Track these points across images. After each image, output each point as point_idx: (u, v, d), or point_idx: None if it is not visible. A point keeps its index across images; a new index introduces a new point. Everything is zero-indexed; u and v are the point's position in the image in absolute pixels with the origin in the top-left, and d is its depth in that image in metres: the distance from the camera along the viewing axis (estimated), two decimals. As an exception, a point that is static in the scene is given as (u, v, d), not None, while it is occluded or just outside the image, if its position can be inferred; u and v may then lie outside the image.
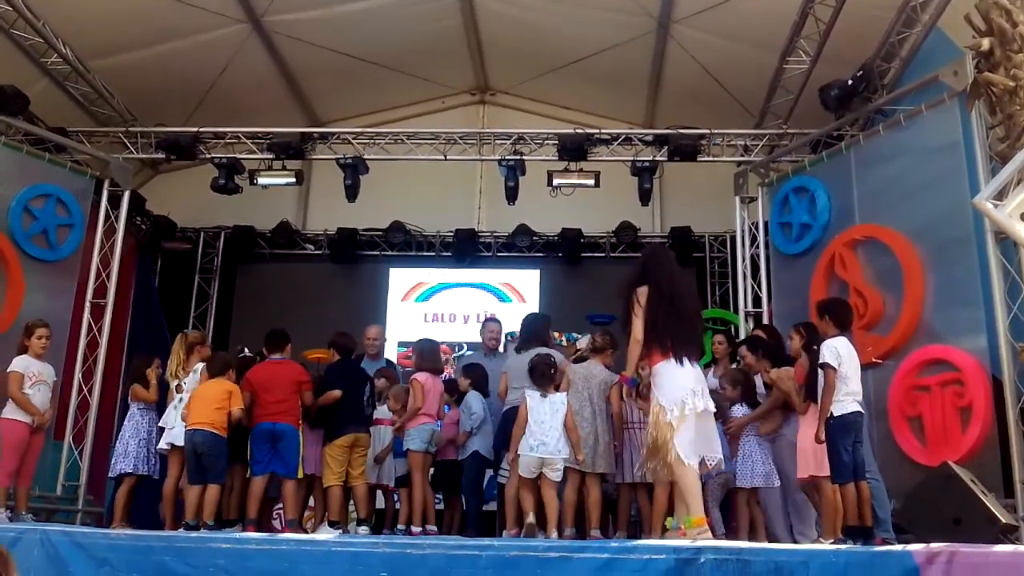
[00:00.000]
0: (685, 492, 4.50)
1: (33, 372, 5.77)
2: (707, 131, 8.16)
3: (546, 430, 5.22)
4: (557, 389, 5.44)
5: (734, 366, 6.28)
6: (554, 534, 5.17)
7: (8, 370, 5.69)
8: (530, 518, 5.17)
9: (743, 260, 7.89)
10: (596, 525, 5.37)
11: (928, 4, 6.43)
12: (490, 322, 7.18)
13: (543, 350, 5.75)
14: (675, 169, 8.90)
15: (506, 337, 7.46)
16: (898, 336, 6.02)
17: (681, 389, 4.55)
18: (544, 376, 5.40)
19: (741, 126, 8.33)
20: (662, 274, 4.82)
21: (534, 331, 6.11)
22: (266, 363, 6.02)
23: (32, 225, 7.10)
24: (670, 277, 4.83)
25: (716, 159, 8.28)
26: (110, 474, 6.28)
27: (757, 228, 7.95)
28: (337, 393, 5.92)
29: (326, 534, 5.48)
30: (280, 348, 5.99)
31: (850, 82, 7.03)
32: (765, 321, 7.40)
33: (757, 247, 7.91)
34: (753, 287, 7.85)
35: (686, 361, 4.64)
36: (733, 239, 8.45)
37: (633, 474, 5.40)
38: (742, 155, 8.23)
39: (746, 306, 7.81)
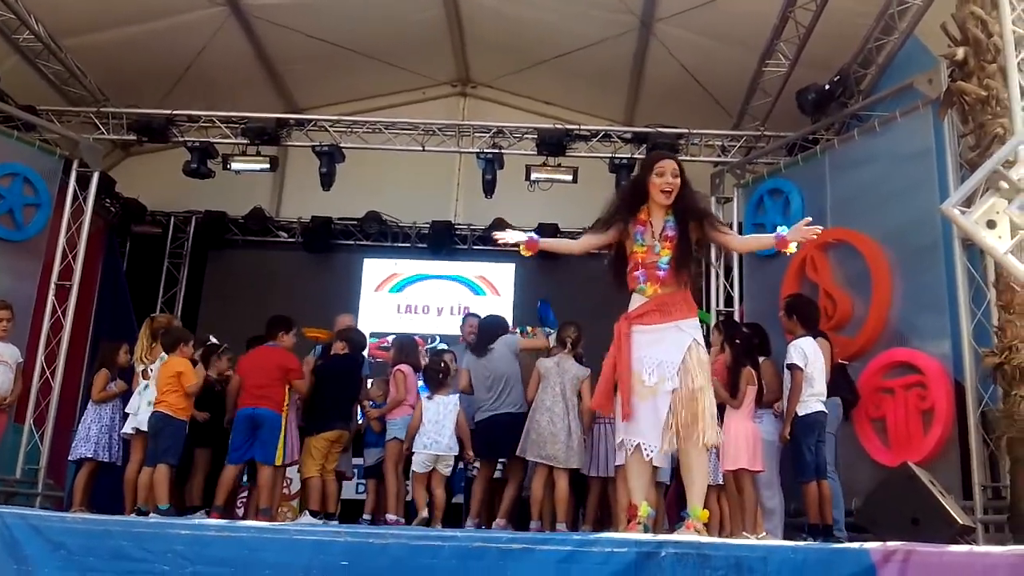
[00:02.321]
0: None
1: (-7, 353, 5.66)
2: (685, 130, 8.20)
3: (439, 429, 5.54)
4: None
5: None
6: (438, 525, 5.37)
7: (-33, 351, 5.58)
8: (424, 512, 5.45)
9: (716, 259, 7.93)
10: (562, 519, 5.41)
11: (906, 12, 6.51)
12: (470, 317, 7.21)
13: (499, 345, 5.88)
14: (649, 168, 8.91)
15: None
16: (865, 338, 6.11)
17: (638, 360, 3.88)
18: (433, 379, 5.69)
19: (719, 127, 8.37)
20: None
21: (492, 333, 6.12)
22: (257, 349, 6.01)
23: (-2, 204, 6.97)
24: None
25: (694, 159, 8.28)
26: (70, 457, 6.22)
27: (732, 228, 7.98)
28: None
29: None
30: (272, 335, 5.95)
31: (827, 86, 7.11)
32: (736, 319, 7.46)
33: (731, 248, 7.96)
34: (726, 287, 7.92)
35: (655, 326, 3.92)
36: (707, 239, 8.50)
37: (608, 468, 5.45)
38: (719, 155, 8.28)
39: (718, 305, 7.88)
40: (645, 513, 3.82)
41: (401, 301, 9.98)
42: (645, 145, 8.24)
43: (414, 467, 5.66)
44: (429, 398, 5.68)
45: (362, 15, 8.49)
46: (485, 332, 6.17)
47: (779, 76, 7.51)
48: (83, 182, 7.87)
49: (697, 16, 7.52)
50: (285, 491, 7.49)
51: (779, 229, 3.84)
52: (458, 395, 5.82)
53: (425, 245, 10.01)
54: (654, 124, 8.30)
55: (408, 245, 10.10)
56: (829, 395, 5.23)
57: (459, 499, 6.68)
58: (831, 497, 5.03)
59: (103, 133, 8.39)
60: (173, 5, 7.89)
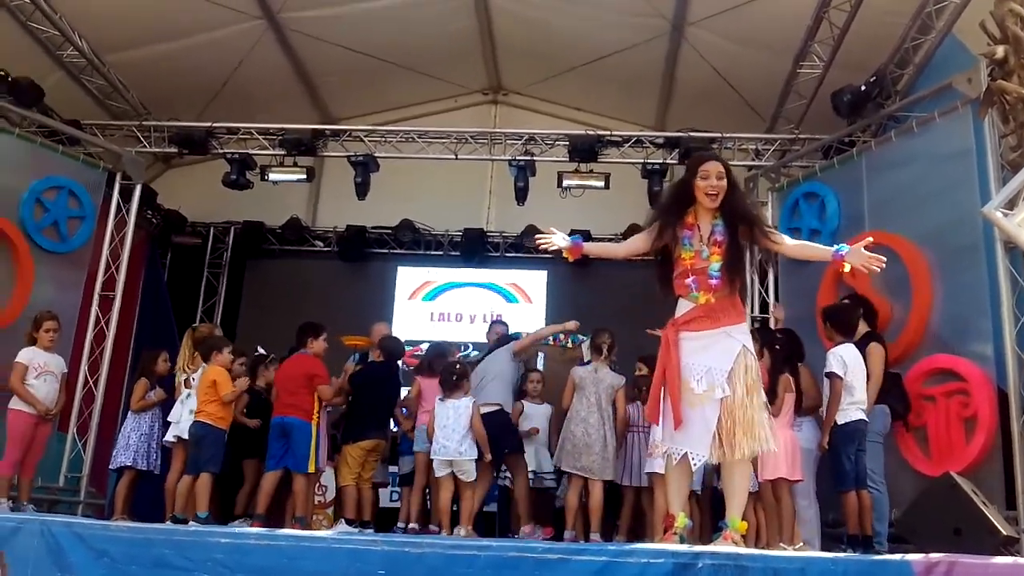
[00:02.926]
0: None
1: (39, 363, 5.82)
2: (718, 134, 8.12)
3: (448, 433, 5.43)
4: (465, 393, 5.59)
5: None
6: (462, 531, 5.33)
7: (14, 361, 5.73)
8: (462, 531, 5.38)
9: (751, 265, 7.83)
10: (597, 529, 5.39)
11: (943, 11, 6.38)
12: (496, 324, 7.25)
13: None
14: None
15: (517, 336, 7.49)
16: (905, 344, 5.97)
17: (685, 367, 3.77)
18: (446, 381, 5.59)
19: (753, 130, 8.29)
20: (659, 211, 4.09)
21: (505, 340, 6.23)
22: (290, 358, 6.08)
23: (44, 217, 7.17)
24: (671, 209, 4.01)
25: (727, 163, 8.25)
26: (110, 466, 6.36)
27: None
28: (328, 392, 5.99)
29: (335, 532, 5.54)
30: (302, 342, 6.02)
31: (863, 88, 6.99)
32: (772, 326, 7.36)
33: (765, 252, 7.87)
34: (761, 292, 7.82)
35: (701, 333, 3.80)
36: (742, 244, 8.41)
37: (641, 477, 5.41)
38: (753, 159, 8.19)
39: (753, 311, 7.77)
40: (683, 524, 3.74)
41: (434, 309, 10.03)
42: (677, 150, 8.20)
43: (434, 472, 5.63)
44: (442, 400, 5.60)
45: (395, 26, 8.59)
46: (502, 340, 6.32)
47: (813, 78, 7.40)
48: (126, 194, 8.06)
49: (728, 19, 7.47)
50: (320, 499, 7.58)
51: (838, 248, 3.76)
52: (472, 399, 5.68)
53: (458, 253, 10.06)
54: (686, 128, 8.25)
55: (441, 253, 10.16)
56: (878, 402, 5.14)
57: (492, 507, 6.69)
58: (870, 507, 4.94)
59: (145, 146, 8.59)
60: (212, 20, 8.05)
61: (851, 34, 6.75)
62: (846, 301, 5.65)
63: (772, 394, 5.05)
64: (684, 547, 3.50)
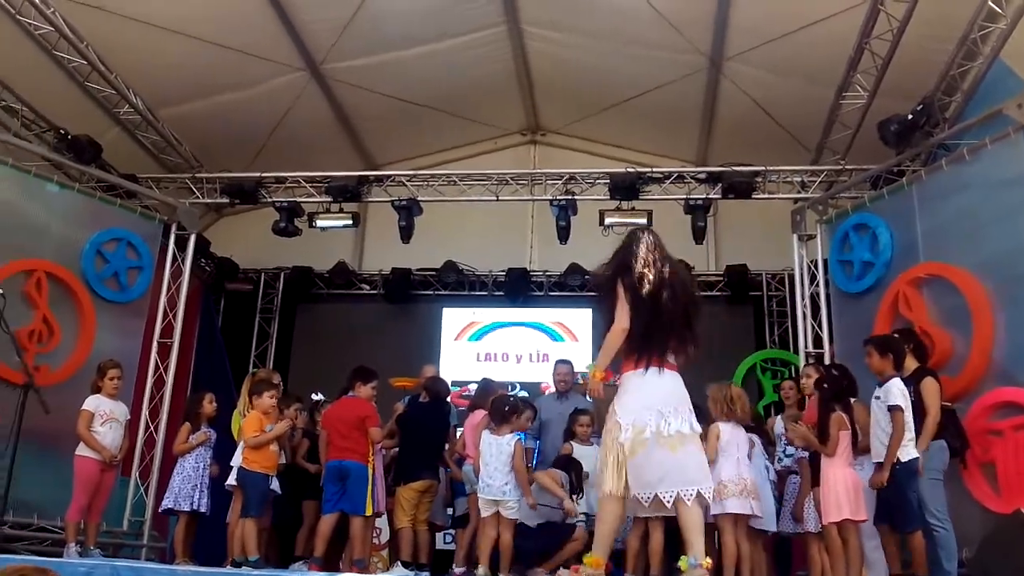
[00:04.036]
0: (598, 526, 3.88)
1: (104, 411, 5.94)
2: (762, 168, 8.11)
3: (491, 471, 5.36)
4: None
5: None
6: (480, 571, 5.20)
7: (80, 409, 5.87)
8: (480, 570, 5.25)
9: (803, 299, 7.75)
10: (658, 571, 5.26)
11: (989, 36, 6.33)
12: (561, 364, 7.21)
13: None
14: (730, 207, 8.85)
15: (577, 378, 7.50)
16: (968, 378, 5.82)
17: (645, 409, 3.76)
18: (497, 413, 5.53)
19: (797, 162, 8.26)
20: (645, 263, 3.94)
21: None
22: (339, 401, 6.14)
23: (104, 268, 7.39)
24: (656, 266, 3.94)
25: (772, 196, 8.20)
26: (160, 510, 6.45)
27: (816, 266, 7.79)
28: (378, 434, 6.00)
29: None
30: (351, 385, 6.08)
31: (910, 116, 6.92)
32: (827, 361, 7.24)
33: (817, 286, 7.76)
34: (814, 327, 7.69)
35: (663, 372, 3.82)
36: (791, 277, 8.29)
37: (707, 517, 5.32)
38: (799, 192, 8.14)
39: (807, 346, 7.65)
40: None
41: (480, 349, 10.06)
42: (720, 184, 8.17)
43: (480, 512, 5.53)
44: (489, 434, 5.51)
45: (432, 72, 8.78)
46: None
47: (858, 108, 7.35)
48: (181, 244, 8.30)
49: (767, 52, 7.51)
50: (375, 541, 7.57)
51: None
52: (517, 437, 5.60)
53: (502, 293, 10.11)
54: (729, 163, 8.24)
55: (485, 293, 10.22)
56: (935, 438, 5.00)
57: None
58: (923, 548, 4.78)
59: (198, 197, 8.85)
60: (258, 74, 8.32)
61: (894, 62, 6.71)
62: (895, 334, 5.52)
63: (824, 433, 4.97)
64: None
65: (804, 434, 5.17)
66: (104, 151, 8.06)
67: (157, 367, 7.81)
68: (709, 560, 3.64)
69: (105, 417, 5.92)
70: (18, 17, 6.71)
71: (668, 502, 3.64)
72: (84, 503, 5.76)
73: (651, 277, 3.84)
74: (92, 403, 5.93)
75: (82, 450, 5.81)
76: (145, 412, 7.59)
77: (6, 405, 5.83)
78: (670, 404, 3.73)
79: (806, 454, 5.48)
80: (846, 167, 7.91)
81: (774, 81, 7.96)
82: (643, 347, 3.76)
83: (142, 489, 7.48)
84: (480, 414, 6.24)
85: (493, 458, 5.40)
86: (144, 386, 7.63)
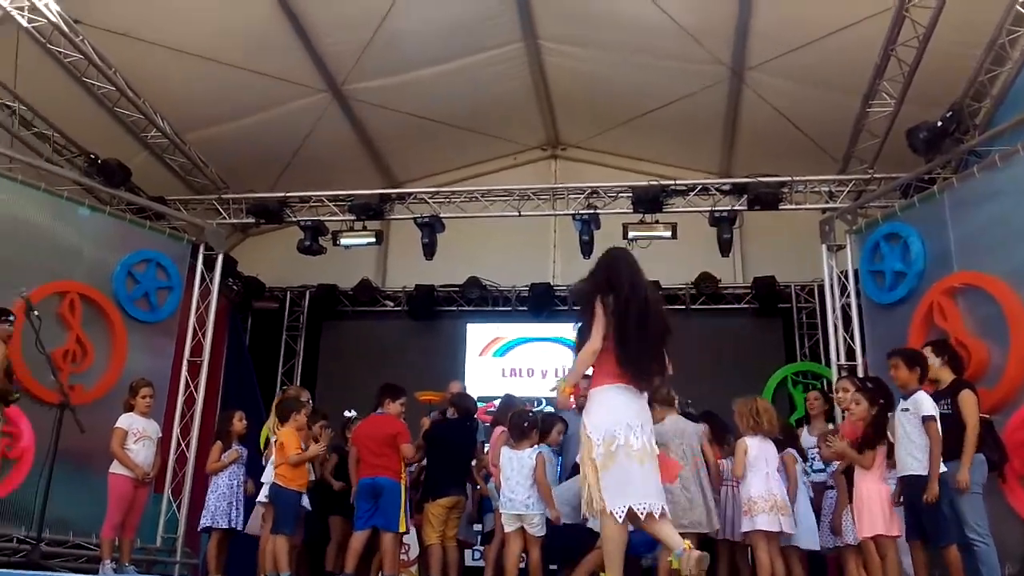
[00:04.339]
0: (604, 546, 3.79)
1: (137, 429, 5.99)
2: (788, 178, 8.04)
3: (512, 486, 5.32)
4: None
5: (831, 425, 6.09)
6: None
7: (114, 427, 5.92)
8: None
9: (834, 311, 7.64)
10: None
11: (1018, 40, 6.25)
12: (582, 379, 7.14)
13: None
14: (756, 218, 8.79)
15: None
16: (1006, 389, 5.69)
17: (615, 422, 3.76)
18: (516, 428, 5.50)
19: (824, 172, 8.18)
20: (630, 284, 3.95)
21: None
22: (368, 418, 6.15)
23: (135, 288, 7.48)
24: (639, 288, 3.97)
25: (799, 207, 8.12)
26: (198, 528, 6.48)
27: (847, 277, 7.70)
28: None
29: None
30: (380, 402, 6.09)
31: (939, 123, 6.82)
32: (860, 374, 7.14)
33: (848, 297, 7.65)
34: (846, 339, 7.57)
35: (633, 390, 3.84)
36: (821, 289, 8.22)
37: (735, 533, 5.25)
38: (827, 202, 8.05)
39: (839, 359, 7.53)
40: None
41: (505, 365, 10.03)
42: (746, 196, 8.11)
43: (504, 527, 5.48)
44: (510, 449, 5.49)
45: (452, 89, 8.84)
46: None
47: (885, 116, 7.25)
48: (208, 264, 8.39)
49: (789, 61, 7.47)
50: (404, 557, 7.53)
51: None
52: (538, 450, 5.55)
53: (526, 308, 10.09)
54: (754, 174, 8.18)
55: (509, 309, 10.21)
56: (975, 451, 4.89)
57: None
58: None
59: (225, 218, 8.94)
60: (280, 96, 8.43)
61: (922, 69, 6.63)
62: (929, 346, 5.42)
63: (870, 445, 4.88)
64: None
65: (843, 450, 5.07)
66: (133, 174, 8.19)
67: (187, 385, 7.88)
68: (688, 542, 3.68)
69: (138, 435, 5.97)
70: (48, 46, 6.85)
71: (642, 514, 3.67)
72: (118, 520, 5.80)
73: (635, 297, 3.89)
74: (125, 421, 5.97)
75: (116, 468, 5.85)
76: (176, 430, 7.66)
77: (42, 424, 5.91)
78: (638, 421, 3.78)
79: (836, 467, 5.40)
80: (875, 176, 7.81)
81: (798, 90, 7.91)
82: (622, 366, 3.80)
83: (174, 506, 7.54)
84: (501, 430, 6.22)
85: (515, 472, 5.37)
86: (175, 404, 7.70)
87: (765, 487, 5.10)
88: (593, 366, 3.86)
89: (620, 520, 3.62)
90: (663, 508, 3.71)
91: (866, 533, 4.82)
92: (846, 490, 5.25)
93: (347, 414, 6.70)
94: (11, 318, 5.39)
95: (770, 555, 5.01)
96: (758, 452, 5.20)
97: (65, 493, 5.70)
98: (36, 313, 5.62)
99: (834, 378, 7.47)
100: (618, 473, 3.66)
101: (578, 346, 3.90)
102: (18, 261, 6.59)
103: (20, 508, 6.08)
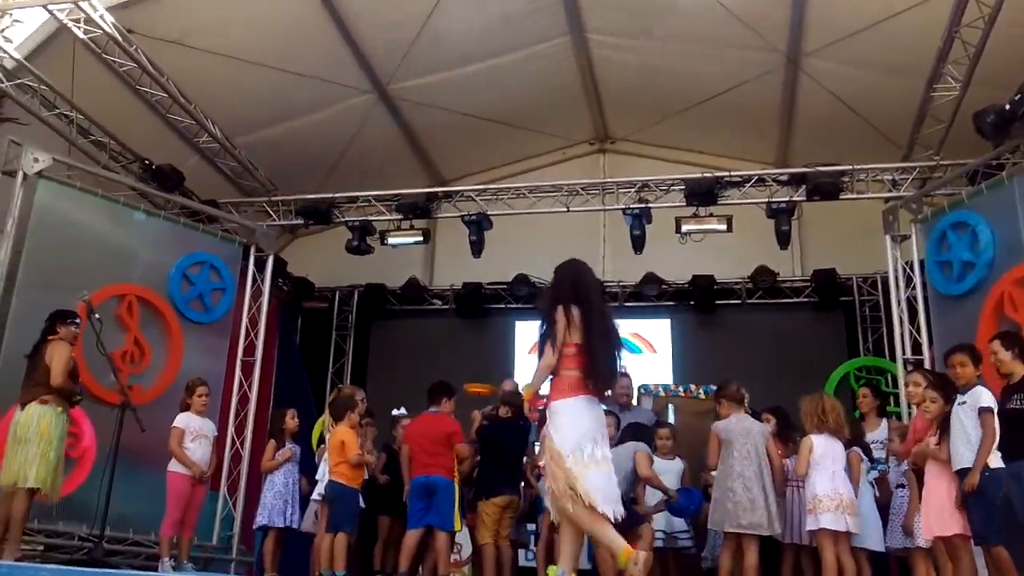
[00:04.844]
0: (600, 536, 3.92)
1: (194, 428, 6.06)
2: (849, 167, 7.78)
3: None
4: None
5: (885, 419, 5.87)
6: None
7: (172, 426, 6.00)
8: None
9: (898, 303, 7.35)
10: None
11: (1092, 18, 5.94)
12: (621, 376, 7.03)
13: None
14: (815, 209, 8.56)
15: (638, 390, 7.29)
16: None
17: (582, 435, 3.91)
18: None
19: (887, 160, 7.89)
20: (586, 296, 4.13)
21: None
22: (421, 416, 6.14)
23: (190, 290, 7.58)
24: (600, 300, 4.24)
25: (860, 196, 7.86)
26: (254, 526, 6.55)
27: (912, 268, 7.40)
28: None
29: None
30: (436, 401, 6.07)
31: (1008, 106, 6.51)
32: (927, 368, 6.87)
33: (913, 289, 7.36)
34: (912, 332, 7.28)
35: (595, 400, 4.00)
36: (885, 281, 7.94)
37: (802, 534, 5.10)
38: (890, 190, 7.78)
39: (904, 353, 7.24)
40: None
41: (555, 362, 9.91)
42: (804, 186, 7.88)
43: None
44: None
45: (497, 86, 8.78)
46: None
47: (950, 100, 6.96)
48: (259, 265, 8.46)
49: (848, 46, 7.23)
50: (456, 557, 7.51)
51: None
52: (637, 448, 5.54)
53: (576, 305, 9.96)
54: (813, 163, 7.94)
55: (559, 306, 10.08)
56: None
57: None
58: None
59: (274, 219, 9.04)
60: (327, 98, 8.48)
61: (987, 50, 6.35)
62: (995, 340, 5.15)
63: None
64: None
65: (933, 453, 4.81)
66: (186, 179, 8.34)
67: (241, 384, 7.97)
68: (627, 546, 3.83)
69: (195, 434, 6.04)
70: (104, 56, 7.00)
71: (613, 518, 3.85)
72: (177, 518, 5.87)
73: (598, 309, 4.09)
74: (183, 420, 6.05)
75: (174, 466, 5.92)
76: (231, 428, 7.75)
77: (101, 424, 6.02)
78: (599, 432, 3.97)
79: (904, 465, 5.19)
80: (940, 162, 7.52)
81: (857, 75, 7.65)
82: (587, 376, 3.96)
83: (230, 504, 7.63)
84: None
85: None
86: (229, 403, 7.78)
87: (831, 486, 4.97)
88: (555, 375, 4.00)
89: (612, 518, 3.81)
90: (617, 513, 3.88)
91: (938, 532, 4.61)
92: (918, 489, 5.04)
93: (395, 412, 6.68)
94: (76, 320, 5.48)
95: (838, 555, 4.86)
96: (824, 450, 5.06)
97: (124, 491, 5.77)
98: (98, 316, 5.72)
99: (899, 373, 7.21)
100: (594, 480, 3.85)
101: (541, 354, 4.03)
102: (78, 265, 6.73)
103: (82, 506, 6.19)
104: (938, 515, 4.60)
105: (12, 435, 5.15)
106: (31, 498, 5.09)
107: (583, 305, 4.02)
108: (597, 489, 3.83)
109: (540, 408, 4.21)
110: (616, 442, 6.01)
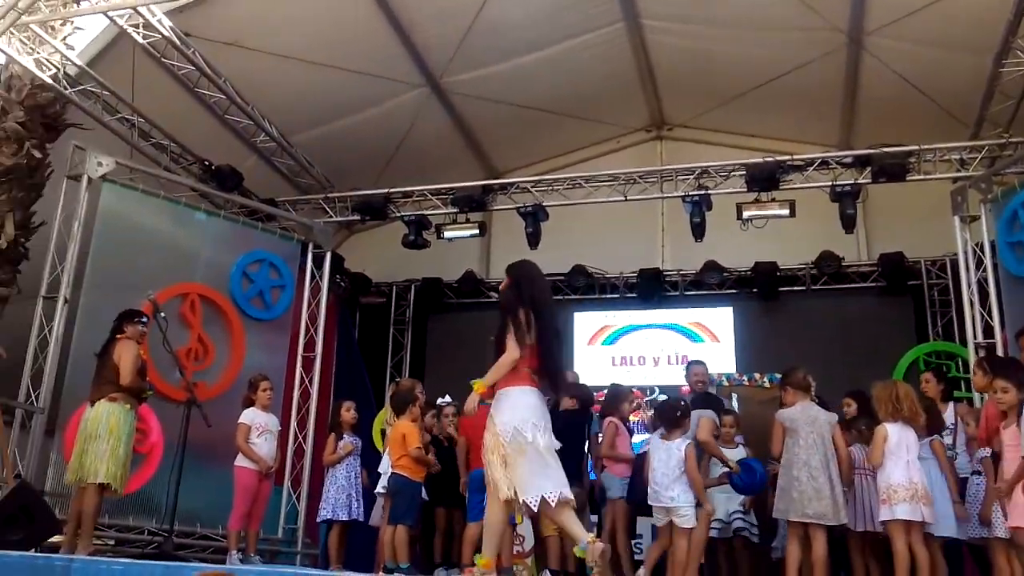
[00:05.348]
0: (487, 529, 4.13)
1: (259, 423, 6.14)
2: (915, 147, 7.50)
3: (657, 477, 5.18)
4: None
5: (952, 404, 5.64)
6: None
7: (238, 422, 6.11)
8: (641, 571, 5.10)
9: (968, 286, 7.06)
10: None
11: None
12: (695, 364, 6.94)
13: None
14: (880, 191, 8.26)
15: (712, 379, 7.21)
16: None
17: (523, 421, 4.07)
18: (668, 419, 5.33)
19: (954, 138, 7.59)
20: (544, 299, 4.39)
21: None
22: (480, 408, 6.11)
23: (250, 288, 7.73)
24: (552, 303, 4.48)
25: (928, 177, 7.56)
26: (317, 519, 6.60)
27: (982, 250, 7.09)
28: None
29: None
30: (492, 394, 6.04)
31: (1082, 79, 6.19)
32: (1000, 352, 6.58)
33: (984, 271, 7.04)
34: (983, 315, 6.99)
35: (539, 393, 4.21)
36: (954, 264, 7.63)
37: (875, 524, 4.97)
38: (958, 170, 7.48)
39: (976, 337, 6.95)
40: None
41: (615, 353, 9.82)
42: (869, 168, 7.61)
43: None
44: (660, 439, 5.33)
45: (550, 76, 8.70)
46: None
47: (1021, 75, 6.67)
48: (317, 262, 8.58)
49: (911, 23, 6.95)
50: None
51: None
52: (687, 441, 5.36)
53: (635, 295, 9.85)
54: (878, 144, 7.66)
55: (617, 296, 9.98)
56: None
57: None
58: None
59: (331, 216, 9.14)
60: (380, 94, 8.53)
61: (1061, 23, 6.03)
62: None
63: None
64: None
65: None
66: (244, 179, 8.50)
67: (302, 380, 8.10)
68: (592, 535, 4.00)
69: (261, 429, 6.12)
70: (163, 59, 7.16)
71: (554, 501, 3.99)
72: (244, 511, 5.97)
73: (552, 311, 4.35)
74: (248, 416, 6.14)
75: (241, 461, 6.01)
76: (293, 423, 7.89)
77: (169, 421, 6.18)
78: (542, 421, 4.12)
79: (981, 452, 4.97)
80: (1011, 140, 7.23)
81: (922, 53, 7.36)
82: (538, 372, 4.19)
83: (294, 497, 7.76)
84: (610, 420, 6.14)
85: (662, 464, 5.22)
86: (291, 398, 7.93)
87: (906, 475, 4.78)
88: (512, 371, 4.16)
89: (535, 508, 3.98)
90: (571, 496, 4.05)
91: (1017, 522, 4.39)
92: (995, 477, 4.82)
93: (440, 401, 6.67)
94: (143, 319, 5.60)
95: (911, 545, 4.70)
96: (898, 439, 4.87)
97: (191, 486, 5.90)
98: (163, 314, 5.85)
99: (970, 357, 6.92)
100: (529, 467, 4.00)
101: (497, 351, 4.18)
102: (142, 265, 6.93)
103: (150, 501, 6.39)
104: (1017, 504, 4.39)
105: (82, 432, 5.30)
106: (102, 494, 5.22)
107: (536, 306, 4.26)
108: (520, 480, 4.00)
109: (487, 401, 4.33)
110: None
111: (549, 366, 4.21)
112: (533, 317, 4.17)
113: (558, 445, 4.17)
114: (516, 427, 4.03)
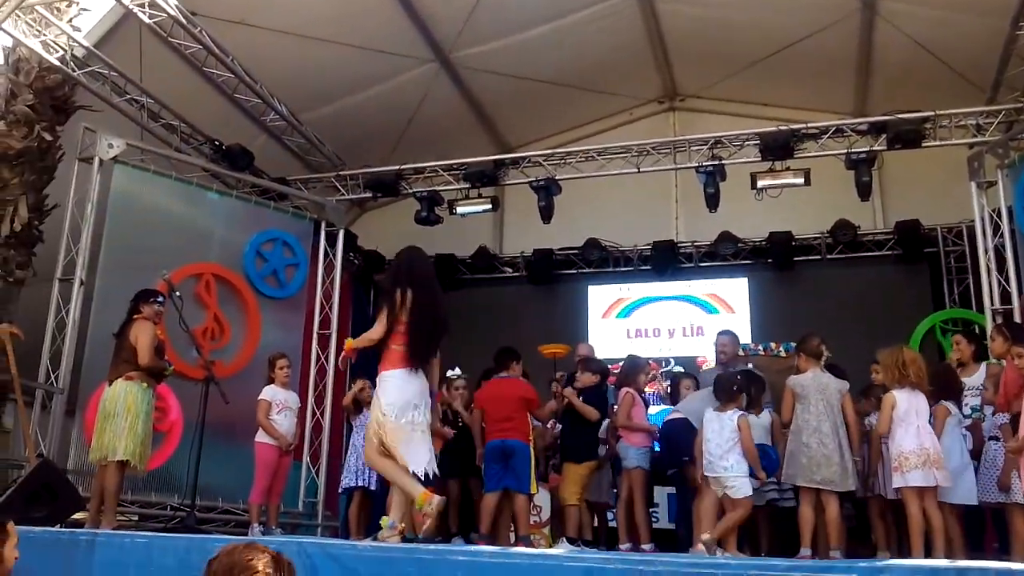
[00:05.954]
0: (401, 481, 4.48)
1: (280, 400, 6.22)
2: (931, 113, 7.37)
3: (711, 448, 5.19)
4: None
5: (984, 364, 5.57)
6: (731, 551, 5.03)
7: (258, 399, 6.18)
8: (704, 536, 5.02)
9: (985, 252, 6.98)
10: (837, 544, 4.93)
11: None
12: (723, 335, 6.92)
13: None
14: (896, 158, 8.13)
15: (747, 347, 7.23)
16: None
17: (406, 402, 4.50)
18: (723, 391, 5.31)
19: (970, 104, 7.44)
20: (421, 280, 4.71)
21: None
22: (493, 381, 6.17)
23: (264, 267, 7.79)
24: (434, 287, 4.80)
25: (944, 143, 7.45)
26: (339, 489, 6.70)
27: (999, 215, 6.99)
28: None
29: (563, 550, 5.50)
30: (506, 366, 6.09)
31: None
32: (1017, 318, 6.52)
33: (1001, 237, 6.95)
34: (1000, 281, 6.92)
35: (419, 373, 4.58)
36: (971, 230, 7.51)
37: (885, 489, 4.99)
38: (974, 136, 7.35)
39: (993, 303, 6.89)
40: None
41: (630, 326, 9.82)
42: (885, 135, 7.50)
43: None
44: (715, 412, 5.33)
45: (560, 48, 8.64)
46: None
47: (1038, 38, 6.53)
48: (330, 240, 8.62)
49: (926, -15, 6.82)
50: (536, 519, 7.58)
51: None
52: (740, 413, 5.30)
53: (649, 267, 9.83)
54: (893, 111, 7.53)
55: (631, 269, 9.96)
56: None
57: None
58: None
59: (343, 194, 9.14)
60: (389, 70, 8.48)
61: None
62: None
63: None
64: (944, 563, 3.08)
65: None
66: (255, 158, 8.49)
67: (318, 357, 8.17)
68: (403, 525, 4.45)
69: (281, 406, 6.20)
70: (170, 39, 7.14)
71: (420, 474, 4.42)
72: (265, 486, 6.06)
73: (428, 296, 4.64)
74: (268, 393, 6.21)
75: (261, 437, 6.10)
76: (311, 400, 7.97)
77: (187, 399, 6.25)
78: (421, 400, 4.53)
79: (1001, 417, 4.93)
80: (1028, 104, 7.06)
81: (937, 16, 7.25)
82: (413, 351, 4.53)
83: (313, 472, 7.86)
84: (626, 391, 6.16)
85: (715, 435, 5.22)
86: (308, 376, 8.00)
87: (916, 441, 4.75)
88: (385, 349, 4.55)
89: (421, 477, 4.41)
90: (424, 472, 4.47)
91: None
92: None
93: (449, 373, 6.71)
94: (160, 299, 5.63)
95: (925, 508, 4.69)
96: (907, 405, 4.84)
97: (211, 461, 5.98)
98: (178, 294, 5.89)
99: (988, 324, 6.86)
100: (412, 442, 4.44)
101: (373, 322, 4.63)
102: (156, 246, 6.97)
103: (171, 478, 6.50)
104: None
105: (101, 411, 5.37)
106: (122, 470, 5.30)
107: (415, 289, 4.57)
108: (413, 452, 4.43)
109: (350, 360, 4.86)
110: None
111: (414, 345, 4.51)
112: (411, 299, 4.52)
113: (428, 421, 4.59)
114: (401, 408, 4.43)
